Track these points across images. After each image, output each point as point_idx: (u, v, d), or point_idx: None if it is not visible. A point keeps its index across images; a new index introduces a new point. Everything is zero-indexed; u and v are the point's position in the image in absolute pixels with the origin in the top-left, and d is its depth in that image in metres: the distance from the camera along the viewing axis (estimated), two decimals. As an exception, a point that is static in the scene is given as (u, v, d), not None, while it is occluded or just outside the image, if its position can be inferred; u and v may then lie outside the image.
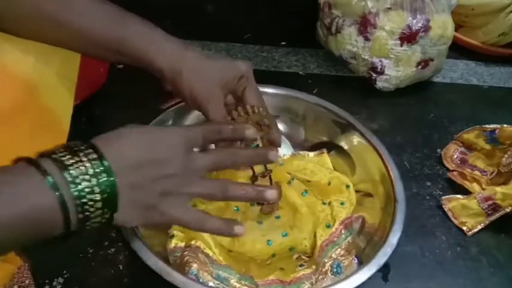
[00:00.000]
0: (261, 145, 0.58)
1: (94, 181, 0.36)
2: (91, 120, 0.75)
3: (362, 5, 0.82)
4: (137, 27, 0.51)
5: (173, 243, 0.57)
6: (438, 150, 0.77)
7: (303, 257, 0.61)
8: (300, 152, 0.71)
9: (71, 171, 0.36)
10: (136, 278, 0.57)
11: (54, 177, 0.35)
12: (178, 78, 0.52)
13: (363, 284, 0.53)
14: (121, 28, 0.50)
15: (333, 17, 0.87)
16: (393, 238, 0.57)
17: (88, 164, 0.37)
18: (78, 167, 0.36)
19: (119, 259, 0.58)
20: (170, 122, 0.69)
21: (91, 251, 0.59)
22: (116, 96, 0.78)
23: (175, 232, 0.58)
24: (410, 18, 0.80)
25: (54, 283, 0.55)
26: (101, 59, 0.56)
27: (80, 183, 0.36)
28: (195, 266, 0.53)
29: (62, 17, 0.48)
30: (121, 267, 0.58)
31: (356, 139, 0.70)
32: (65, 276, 0.56)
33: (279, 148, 0.58)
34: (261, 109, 0.55)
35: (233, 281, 0.55)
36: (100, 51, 0.52)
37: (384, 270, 0.59)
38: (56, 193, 0.35)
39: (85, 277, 0.56)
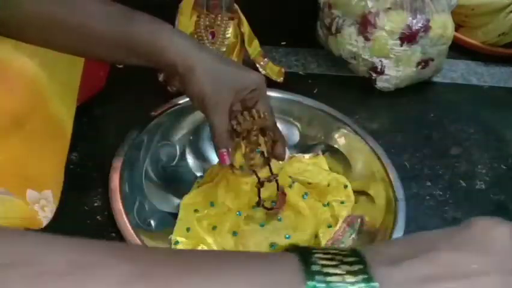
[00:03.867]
0: (264, 151, 0.58)
1: None
2: (92, 121, 0.75)
3: (362, 5, 0.82)
4: (146, 23, 0.50)
5: None
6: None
7: None
8: (296, 155, 0.71)
9: (329, 282, 0.27)
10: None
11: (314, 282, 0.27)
12: (189, 75, 0.50)
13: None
14: (129, 24, 0.50)
15: (333, 17, 0.87)
16: (397, 237, 0.57)
17: (349, 280, 0.27)
18: (337, 280, 0.27)
19: (120, 259, 0.58)
20: (168, 124, 0.69)
21: (91, 251, 0.59)
22: (116, 96, 0.78)
23: (178, 239, 0.58)
24: (410, 18, 0.80)
25: (55, 283, 0.55)
26: (110, 60, 0.55)
27: None
28: None
29: (70, 20, 0.48)
30: (121, 268, 0.58)
31: (351, 139, 0.70)
32: (65, 276, 0.56)
33: None
34: (266, 114, 0.55)
35: None
36: (108, 52, 0.51)
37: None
38: None
39: (85, 277, 0.56)
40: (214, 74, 0.51)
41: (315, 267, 0.27)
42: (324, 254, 0.28)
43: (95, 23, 0.49)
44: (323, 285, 0.26)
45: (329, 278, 0.26)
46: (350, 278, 0.27)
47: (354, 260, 0.28)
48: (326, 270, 0.27)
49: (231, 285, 0.26)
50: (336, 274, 0.27)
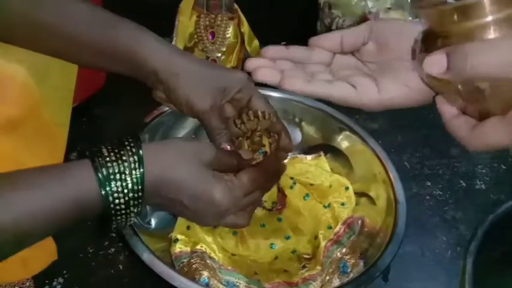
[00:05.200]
0: (268, 151, 0.58)
1: (128, 179, 0.39)
2: (91, 120, 0.75)
3: (362, 5, 0.82)
4: (130, 30, 0.50)
5: (177, 248, 0.57)
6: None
7: (305, 257, 0.61)
8: (298, 156, 0.71)
9: (109, 169, 0.38)
10: (136, 278, 0.57)
11: (102, 174, 0.38)
12: (173, 82, 0.50)
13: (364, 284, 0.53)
14: (112, 32, 0.49)
15: (333, 17, 0.87)
16: (397, 240, 0.57)
17: (126, 164, 0.39)
18: (117, 165, 0.39)
19: (119, 259, 0.58)
20: (171, 123, 0.69)
21: (91, 251, 0.59)
22: (116, 96, 0.78)
23: (178, 236, 0.58)
24: (410, 18, 0.80)
25: (54, 283, 0.55)
26: (94, 67, 0.55)
27: (116, 181, 0.38)
28: (205, 274, 0.53)
29: (56, 24, 0.48)
30: (121, 267, 0.58)
31: (353, 141, 0.70)
32: (65, 276, 0.56)
33: None
34: (271, 114, 0.55)
35: (242, 286, 0.55)
36: (92, 58, 0.50)
37: (384, 270, 0.59)
38: (102, 190, 0.38)
39: (85, 277, 0.56)
40: (197, 77, 0.50)
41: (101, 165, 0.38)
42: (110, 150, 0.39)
43: (79, 28, 0.49)
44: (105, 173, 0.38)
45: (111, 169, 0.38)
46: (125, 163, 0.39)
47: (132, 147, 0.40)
48: (107, 158, 0.39)
49: (40, 198, 0.36)
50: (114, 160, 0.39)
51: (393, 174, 0.64)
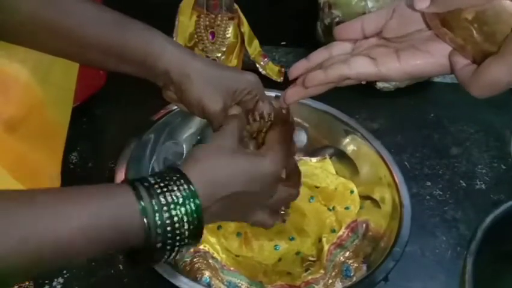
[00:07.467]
0: None
1: (182, 209, 0.38)
2: (91, 120, 0.75)
3: (362, 5, 0.82)
4: (140, 31, 0.50)
5: None
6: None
7: (310, 259, 0.61)
8: (303, 158, 0.71)
9: (160, 199, 0.37)
10: (136, 278, 0.57)
11: (145, 202, 0.37)
12: (185, 83, 0.49)
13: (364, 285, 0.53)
14: (122, 32, 0.49)
15: (333, 17, 0.87)
16: (401, 244, 0.56)
17: (177, 193, 0.38)
18: (169, 195, 0.38)
19: (119, 259, 0.58)
20: (178, 120, 0.69)
21: (91, 251, 0.59)
22: (116, 96, 0.78)
23: None
24: (410, 18, 0.80)
25: (54, 283, 0.55)
26: (102, 67, 0.55)
27: (167, 211, 0.37)
28: (207, 273, 0.54)
29: (62, 25, 0.48)
30: (121, 267, 0.58)
31: (358, 143, 0.69)
32: (65, 276, 0.56)
33: None
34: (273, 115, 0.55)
35: (244, 287, 0.55)
36: (100, 58, 0.50)
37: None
38: (144, 219, 0.36)
39: (85, 277, 0.56)
40: (209, 79, 0.50)
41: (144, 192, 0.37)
42: (155, 179, 0.38)
43: (88, 28, 0.48)
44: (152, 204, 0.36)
45: (157, 198, 0.37)
46: (176, 192, 0.38)
47: (179, 176, 0.39)
48: (157, 190, 0.37)
49: (75, 214, 0.34)
50: (165, 191, 0.37)
51: (398, 178, 0.63)
